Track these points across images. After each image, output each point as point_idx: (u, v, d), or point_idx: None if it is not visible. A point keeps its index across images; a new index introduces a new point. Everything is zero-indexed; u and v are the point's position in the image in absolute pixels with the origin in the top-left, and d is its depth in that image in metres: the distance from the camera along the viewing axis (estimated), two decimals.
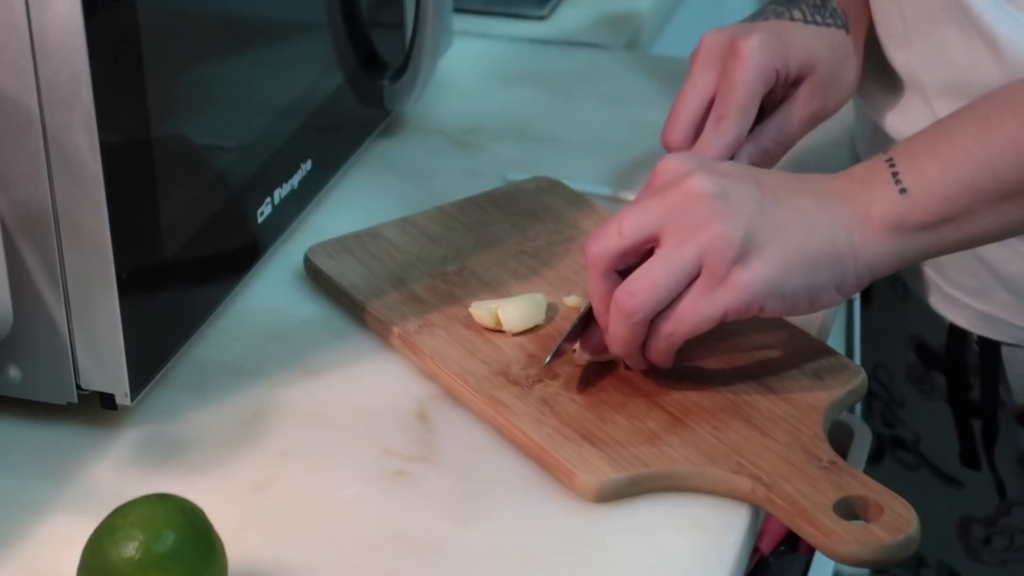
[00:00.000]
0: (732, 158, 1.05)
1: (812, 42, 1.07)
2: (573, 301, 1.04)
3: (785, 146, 1.08)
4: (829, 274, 0.92)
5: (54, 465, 0.95)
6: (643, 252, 0.93)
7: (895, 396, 1.25)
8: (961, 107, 0.95)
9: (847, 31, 1.09)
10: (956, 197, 0.92)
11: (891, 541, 0.87)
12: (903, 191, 0.92)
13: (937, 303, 1.15)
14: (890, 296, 1.24)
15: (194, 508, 0.82)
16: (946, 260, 1.12)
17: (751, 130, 1.06)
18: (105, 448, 0.96)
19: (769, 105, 1.07)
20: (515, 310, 1.01)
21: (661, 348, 0.94)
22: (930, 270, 1.16)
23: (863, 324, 1.25)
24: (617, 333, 0.93)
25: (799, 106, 1.07)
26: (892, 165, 0.93)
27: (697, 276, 0.91)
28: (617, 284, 0.93)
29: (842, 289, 0.93)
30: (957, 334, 1.15)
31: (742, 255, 0.90)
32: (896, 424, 1.25)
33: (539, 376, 0.98)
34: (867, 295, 1.28)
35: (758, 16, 1.09)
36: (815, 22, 1.07)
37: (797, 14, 1.08)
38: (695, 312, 0.92)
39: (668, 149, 1.06)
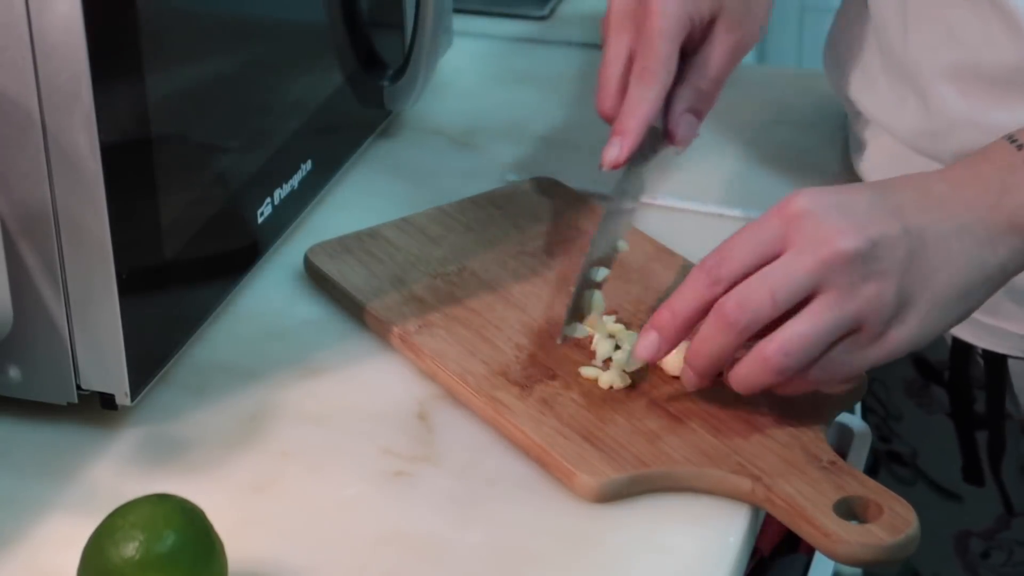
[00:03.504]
0: (668, 105, 1.05)
1: None
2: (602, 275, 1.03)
3: (717, 83, 1.07)
4: (979, 297, 0.91)
5: (54, 465, 0.95)
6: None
7: (892, 410, 1.24)
8: None
9: None
10: None
11: (891, 541, 0.87)
12: None
13: None
14: None
15: (194, 508, 0.82)
16: None
17: (679, 76, 1.05)
18: (105, 448, 0.96)
19: (690, 51, 1.07)
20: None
21: (799, 390, 0.91)
22: None
23: None
24: (753, 381, 0.90)
25: (718, 43, 1.06)
26: None
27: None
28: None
29: (983, 303, 0.92)
30: (961, 348, 1.15)
31: (898, 311, 0.89)
32: (892, 438, 1.25)
33: (539, 376, 0.98)
34: None
35: None
36: None
37: None
38: (847, 366, 0.90)
39: (603, 116, 1.05)
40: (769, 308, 0.88)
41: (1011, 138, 0.92)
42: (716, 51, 1.06)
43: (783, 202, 0.90)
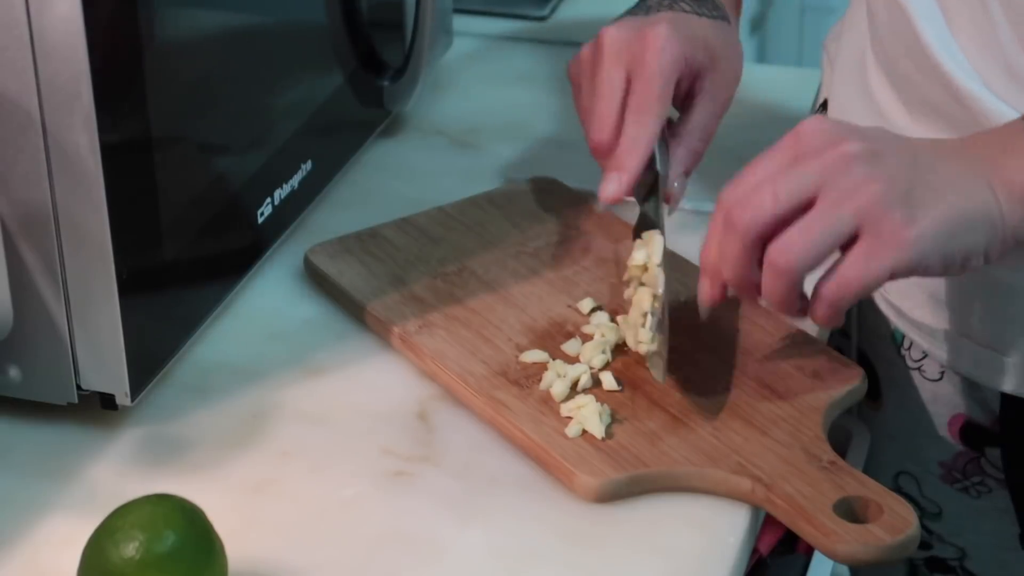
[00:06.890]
0: (652, 160, 1.03)
1: (710, 34, 1.05)
2: (587, 306, 1.04)
3: (709, 141, 1.06)
4: (983, 237, 0.89)
5: (54, 465, 0.95)
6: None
7: (927, 508, 1.15)
8: None
9: (728, 22, 1.07)
10: None
11: (891, 541, 0.87)
12: None
13: (986, 376, 1.07)
14: (908, 390, 1.14)
15: (194, 508, 0.82)
16: (992, 327, 1.05)
17: (676, 134, 1.05)
18: (105, 448, 0.96)
19: (676, 96, 1.05)
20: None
21: (823, 312, 0.89)
22: (974, 344, 1.06)
23: (873, 427, 1.16)
24: (770, 289, 0.89)
25: (712, 101, 1.05)
26: None
27: (854, 239, 0.87)
28: (759, 255, 0.89)
29: (990, 254, 0.90)
30: (1012, 402, 1.06)
31: (907, 211, 0.86)
32: (932, 544, 1.16)
33: (539, 376, 0.98)
34: (874, 393, 1.16)
35: (642, 9, 1.06)
36: (704, 15, 1.06)
37: (685, 6, 1.05)
38: (862, 274, 0.87)
39: (598, 149, 1.02)
40: (771, 205, 0.87)
41: (1022, 120, 0.92)
42: (711, 111, 1.05)
43: (798, 125, 0.90)
